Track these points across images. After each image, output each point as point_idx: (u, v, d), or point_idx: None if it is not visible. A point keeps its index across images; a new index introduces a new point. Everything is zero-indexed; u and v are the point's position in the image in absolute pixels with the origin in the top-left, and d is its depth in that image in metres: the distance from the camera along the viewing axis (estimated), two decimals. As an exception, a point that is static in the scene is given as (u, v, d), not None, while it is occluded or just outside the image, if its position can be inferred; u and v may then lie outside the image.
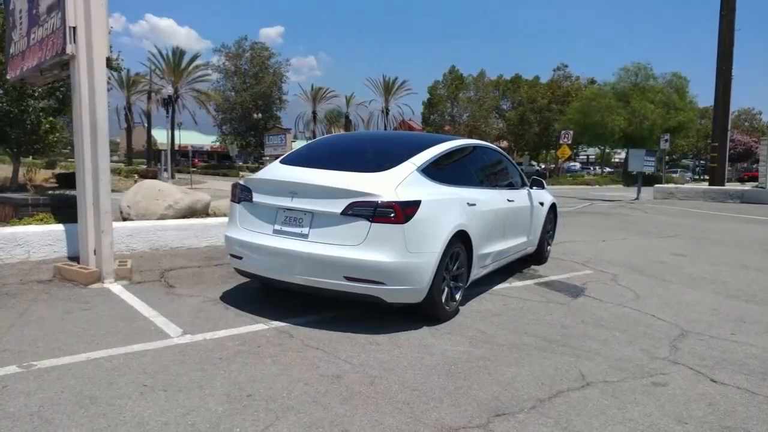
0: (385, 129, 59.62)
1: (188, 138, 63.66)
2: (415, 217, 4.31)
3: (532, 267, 7.22)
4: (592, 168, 63.02)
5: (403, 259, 4.26)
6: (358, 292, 4.29)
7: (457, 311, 4.96)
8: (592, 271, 7.17)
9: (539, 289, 6.14)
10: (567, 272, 7.03)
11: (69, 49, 5.38)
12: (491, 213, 5.48)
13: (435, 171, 4.86)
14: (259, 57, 53.97)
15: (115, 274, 5.50)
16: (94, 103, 5.34)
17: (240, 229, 4.76)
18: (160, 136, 57.02)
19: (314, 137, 58.29)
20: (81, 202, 5.53)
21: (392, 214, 4.21)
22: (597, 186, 39.61)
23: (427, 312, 4.64)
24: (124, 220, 7.37)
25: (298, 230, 4.42)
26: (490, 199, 5.57)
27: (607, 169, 58.92)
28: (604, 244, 9.50)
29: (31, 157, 31.11)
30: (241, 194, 4.83)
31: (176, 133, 51.09)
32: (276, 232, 4.53)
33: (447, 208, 4.70)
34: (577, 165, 68.50)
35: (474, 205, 5.11)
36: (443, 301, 4.69)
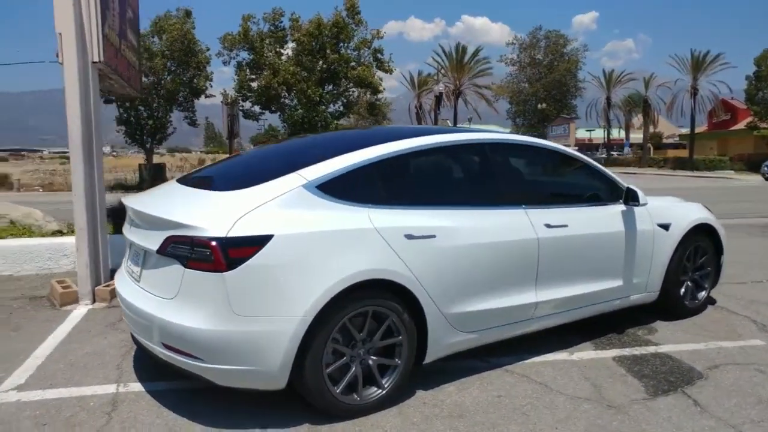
0: (692, 111, 50.54)
1: (484, 132, 64.67)
2: (254, 261, 2.77)
3: (657, 323, 4.66)
4: None
5: (224, 327, 2.78)
6: (182, 367, 2.97)
7: (386, 399, 3.17)
8: (766, 342, 4.28)
9: (611, 368, 3.77)
10: (710, 339, 4.31)
11: (60, 56, 5.13)
12: (485, 248, 3.46)
13: (350, 186, 3.14)
14: (554, 45, 51.42)
15: (95, 296, 5.10)
16: (75, 111, 4.99)
17: (122, 263, 3.84)
18: (455, 134, 59.29)
19: (608, 126, 53.53)
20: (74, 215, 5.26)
21: (210, 257, 2.78)
22: None
23: (311, 402, 3.06)
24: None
25: (136, 269, 3.29)
26: (489, 225, 3.51)
27: None
28: None
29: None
30: None
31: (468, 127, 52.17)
32: (126, 269, 3.49)
33: (340, 244, 2.98)
34: None
35: (430, 237, 3.23)
36: (336, 390, 3.01)
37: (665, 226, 4.45)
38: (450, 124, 52.30)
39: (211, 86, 30.91)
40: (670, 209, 4.59)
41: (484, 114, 59.36)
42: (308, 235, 2.93)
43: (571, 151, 4.27)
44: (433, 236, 3.26)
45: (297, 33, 30.25)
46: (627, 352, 4.07)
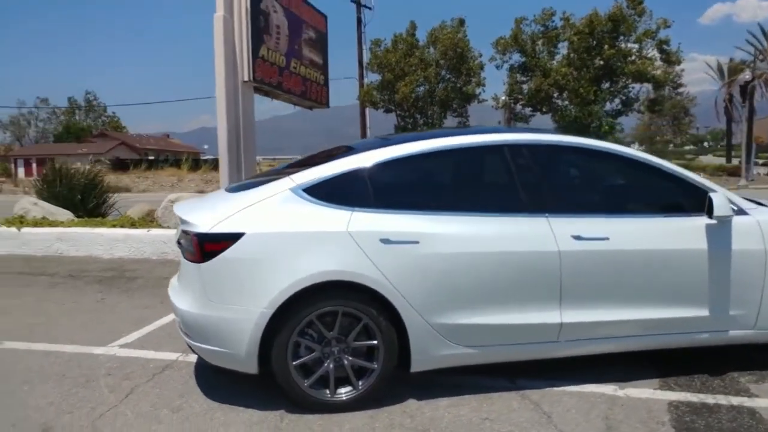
0: None
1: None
2: (225, 256, 3.11)
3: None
4: None
5: (201, 311, 3.18)
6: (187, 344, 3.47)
7: (361, 400, 3.21)
8: None
9: (654, 413, 3.12)
10: None
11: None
12: (482, 258, 3.19)
13: (336, 190, 3.26)
14: None
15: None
16: (222, 122, 5.97)
17: None
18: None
19: None
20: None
21: (193, 249, 3.21)
22: None
23: (283, 391, 3.27)
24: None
25: None
26: (489, 234, 3.22)
27: None
28: None
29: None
30: None
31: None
32: None
33: (309, 244, 3.11)
34: None
35: (412, 243, 3.15)
36: (305, 383, 3.18)
37: (788, 246, 3.43)
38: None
39: (484, 91, 31.49)
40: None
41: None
42: (279, 234, 3.16)
43: (628, 150, 3.57)
44: (416, 242, 3.17)
45: (569, 32, 29.29)
46: (698, 398, 3.30)
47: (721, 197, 3.32)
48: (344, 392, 3.23)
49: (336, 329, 3.19)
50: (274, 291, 3.06)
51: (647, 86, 30.85)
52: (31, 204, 8.64)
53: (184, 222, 3.39)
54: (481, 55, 31.14)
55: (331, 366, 3.21)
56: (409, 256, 3.16)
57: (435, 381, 3.49)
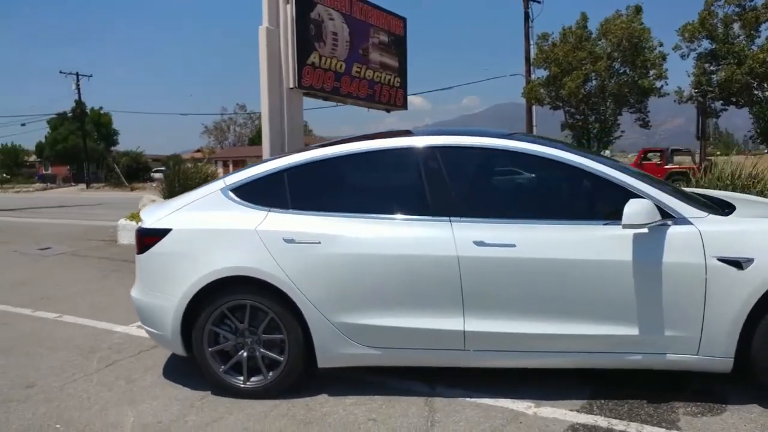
0: None
1: None
2: (155, 249, 3.55)
3: (747, 407, 3.12)
4: None
5: (141, 297, 3.67)
6: None
7: (273, 389, 3.46)
8: None
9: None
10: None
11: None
12: (379, 260, 3.23)
13: (257, 191, 3.55)
14: None
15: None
16: (266, 127, 6.48)
17: None
18: None
19: None
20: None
21: (136, 243, 3.69)
22: None
23: (203, 374, 3.60)
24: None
25: None
26: (388, 236, 3.25)
27: None
28: None
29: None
30: None
31: None
32: None
33: (222, 241, 3.42)
34: None
35: (314, 243, 3.31)
36: (220, 369, 3.49)
37: (737, 263, 2.96)
38: None
39: (666, 84, 28.70)
40: (753, 235, 3.00)
41: None
42: (198, 231, 3.53)
43: (548, 150, 3.26)
44: (318, 243, 3.32)
45: None
46: (608, 423, 3.02)
47: (640, 203, 2.97)
48: (255, 381, 3.49)
49: (246, 321, 3.46)
50: (189, 282, 3.42)
51: None
52: (150, 201, 10.03)
53: (141, 219, 3.89)
54: (661, 45, 28.25)
55: (245, 355, 3.49)
56: (311, 256, 3.32)
57: (354, 379, 3.61)
